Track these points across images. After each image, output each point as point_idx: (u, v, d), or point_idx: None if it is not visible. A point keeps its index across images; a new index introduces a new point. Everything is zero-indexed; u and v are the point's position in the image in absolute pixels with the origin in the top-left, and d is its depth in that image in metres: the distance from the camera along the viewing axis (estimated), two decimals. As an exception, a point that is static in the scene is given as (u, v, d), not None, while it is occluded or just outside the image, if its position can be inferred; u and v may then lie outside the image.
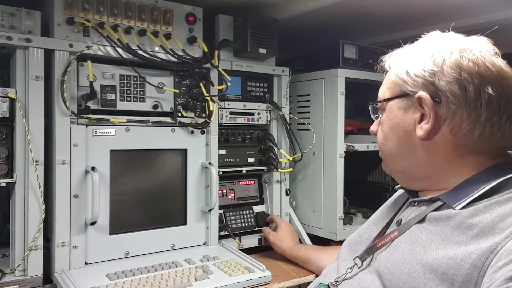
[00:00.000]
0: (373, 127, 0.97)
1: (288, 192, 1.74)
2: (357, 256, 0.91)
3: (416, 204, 0.89)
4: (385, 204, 1.05)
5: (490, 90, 0.76)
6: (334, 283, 0.92)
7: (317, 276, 1.36)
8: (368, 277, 0.85)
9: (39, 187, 1.19)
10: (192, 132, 1.49)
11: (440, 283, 0.70)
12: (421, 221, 0.82)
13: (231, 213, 1.65)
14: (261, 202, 1.75)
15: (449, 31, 0.88)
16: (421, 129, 0.83)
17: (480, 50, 0.81)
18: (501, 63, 0.81)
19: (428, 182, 0.87)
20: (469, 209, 0.76)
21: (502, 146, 0.81)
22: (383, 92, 0.92)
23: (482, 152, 0.81)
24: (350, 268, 0.91)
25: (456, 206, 0.78)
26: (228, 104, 1.61)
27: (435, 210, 0.82)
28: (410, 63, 0.84)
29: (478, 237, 0.71)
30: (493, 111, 0.77)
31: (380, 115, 0.93)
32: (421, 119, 0.83)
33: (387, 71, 0.92)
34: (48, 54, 1.23)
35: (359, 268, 0.89)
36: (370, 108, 0.97)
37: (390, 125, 0.90)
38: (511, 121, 0.79)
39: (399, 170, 0.93)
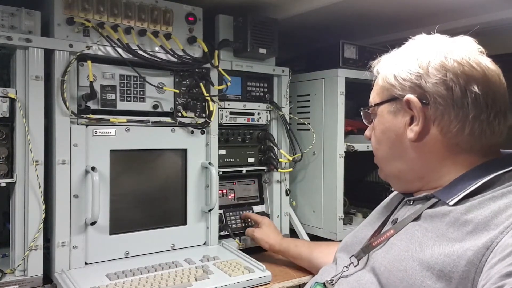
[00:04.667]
0: (367, 132, 1.00)
1: (288, 192, 1.74)
2: (353, 255, 0.91)
3: (411, 203, 0.89)
4: (381, 204, 1.06)
5: (476, 89, 0.78)
6: (329, 281, 0.92)
7: (311, 273, 1.37)
8: (365, 276, 0.86)
9: (39, 187, 1.19)
10: (192, 132, 1.49)
11: (438, 280, 0.70)
12: (417, 219, 0.83)
13: (231, 213, 1.65)
14: (261, 202, 1.75)
15: (453, 30, 0.88)
16: (411, 131, 0.84)
17: (465, 50, 0.82)
18: (486, 61, 0.82)
19: (422, 182, 0.88)
20: (463, 205, 0.76)
21: (493, 143, 0.82)
22: (373, 97, 0.93)
23: (473, 150, 0.81)
24: (346, 267, 0.91)
25: (450, 201, 0.78)
26: (228, 104, 1.61)
27: (430, 207, 0.82)
28: (397, 67, 0.86)
29: (473, 233, 0.71)
30: (481, 109, 0.78)
31: (373, 120, 0.94)
32: (411, 122, 0.84)
33: (376, 76, 0.93)
34: (48, 54, 1.23)
35: (355, 266, 0.90)
36: (362, 114, 0.99)
37: (382, 129, 0.91)
38: (500, 118, 0.80)
39: (394, 174, 0.94)
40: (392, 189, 1.01)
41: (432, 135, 0.82)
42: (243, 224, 1.66)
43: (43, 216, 1.20)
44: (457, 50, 0.81)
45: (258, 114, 1.69)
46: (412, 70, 0.82)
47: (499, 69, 0.83)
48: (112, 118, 1.33)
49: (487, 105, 0.78)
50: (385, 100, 0.89)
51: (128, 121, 1.36)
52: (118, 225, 1.36)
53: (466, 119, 0.78)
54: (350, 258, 0.91)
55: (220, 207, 1.60)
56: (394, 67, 0.86)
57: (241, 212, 1.67)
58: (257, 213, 1.70)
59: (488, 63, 0.82)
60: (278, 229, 1.62)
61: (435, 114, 0.80)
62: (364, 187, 2.07)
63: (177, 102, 1.46)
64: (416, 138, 0.83)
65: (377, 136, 0.94)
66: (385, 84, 0.88)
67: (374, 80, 0.94)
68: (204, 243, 1.53)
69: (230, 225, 1.62)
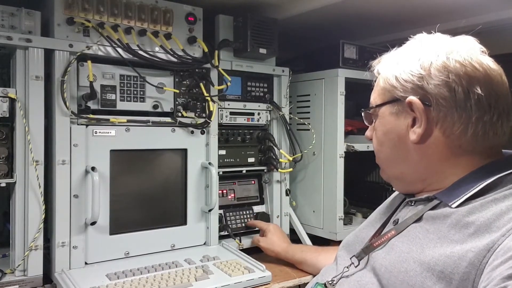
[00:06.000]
0: (367, 133, 0.98)
1: (288, 192, 1.74)
2: (354, 255, 0.91)
3: (412, 204, 0.89)
4: (382, 205, 1.05)
5: (479, 90, 0.77)
6: (330, 282, 0.92)
7: (311, 273, 1.36)
8: (366, 276, 0.85)
9: (39, 187, 1.19)
10: (192, 132, 1.49)
11: (438, 281, 0.70)
12: (418, 220, 0.82)
13: (231, 213, 1.65)
14: (261, 202, 1.75)
15: (454, 30, 0.88)
16: (414, 133, 0.83)
17: (467, 50, 0.81)
18: (488, 61, 0.81)
19: (425, 184, 0.87)
20: (465, 207, 0.76)
21: (496, 144, 0.82)
22: (374, 98, 0.92)
23: (476, 151, 0.81)
24: (347, 267, 0.91)
25: (452, 204, 0.78)
26: (228, 104, 1.61)
27: (432, 209, 0.82)
28: (398, 68, 0.84)
29: (475, 235, 0.71)
30: (484, 111, 0.77)
31: (374, 121, 0.94)
32: (414, 123, 0.83)
33: (377, 77, 0.92)
34: (48, 54, 1.23)
35: (356, 267, 0.89)
36: (363, 115, 0.97)
37: (384, 131, 0.90)
38: (503, 119, 0.79)
39: (396, 176, 0.93)
40: (393, 189, 1.01)
41: (434, 137, 0.81)
42: (243, 224, 1.66)
43: (43, 216, 1.20)
44: (459, 50, 0.80)
45: (258, 114, 1.69)
46: (414, 71, 0.81)
47: (501, 69, 0.82)
48: (112, 118, 1.33)
49: (490, 106, 0.77)
50: (386, 102, 0.88)
51: (128, 121, 1.36)
52: (118, 225, 1.36)
53: (469, 120, 0.78)
54: (351, 258, 0.91)
55: (220, 207, 1.60)
56: (395, 68, 0.85)
57: (241, 212, 1.67)
58: (257, 213, 1.70)
59: (490, 63, 0.81)
60: (285, 234, 1.58)
61: (438, 116, 0.80)
62: (364, 187, 2.07)
63: (177, 102, 1.46)
64: (418, 140, 0.82)
65: (378, 137, 0.93)
66: (386, 85, 0.87)
67: (375, 81, 0.93)
68: (204, 243, 1.53)
69: (230, 225, 1.62)
